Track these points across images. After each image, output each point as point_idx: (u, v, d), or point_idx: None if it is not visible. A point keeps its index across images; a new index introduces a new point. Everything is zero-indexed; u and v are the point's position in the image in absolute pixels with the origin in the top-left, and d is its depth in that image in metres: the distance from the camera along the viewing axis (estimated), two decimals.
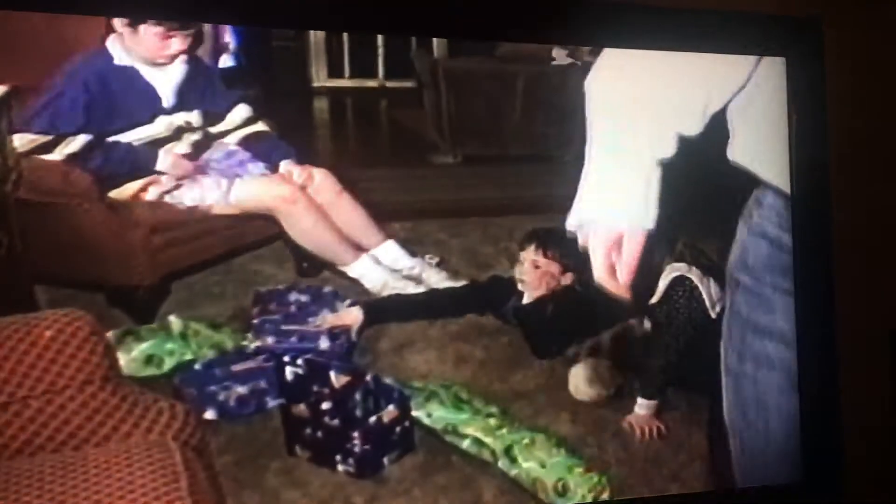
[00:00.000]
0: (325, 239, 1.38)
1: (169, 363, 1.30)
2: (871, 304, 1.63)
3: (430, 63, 1.48)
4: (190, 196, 1.32)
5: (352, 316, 1.41)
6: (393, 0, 1.33)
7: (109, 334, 1.23)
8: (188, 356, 1.31)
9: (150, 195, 1.30)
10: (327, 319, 1.39)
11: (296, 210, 1.36)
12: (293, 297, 1.37)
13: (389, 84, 1.47)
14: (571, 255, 1.47)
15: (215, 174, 1.33)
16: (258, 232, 1.36)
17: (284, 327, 1.35)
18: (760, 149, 1.47)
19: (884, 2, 1.63)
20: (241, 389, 1.32)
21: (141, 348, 1.28)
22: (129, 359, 1.26)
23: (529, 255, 1.48)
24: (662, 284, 1.51)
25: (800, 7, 1.57)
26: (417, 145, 1.48)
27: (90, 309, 1.20)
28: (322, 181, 1.37)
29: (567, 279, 1.49)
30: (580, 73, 1.53)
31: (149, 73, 1.31)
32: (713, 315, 1.52)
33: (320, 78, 1.40)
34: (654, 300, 1.52)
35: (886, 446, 1.62)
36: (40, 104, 1.23)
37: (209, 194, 1.33)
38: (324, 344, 1.36)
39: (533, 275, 1.48)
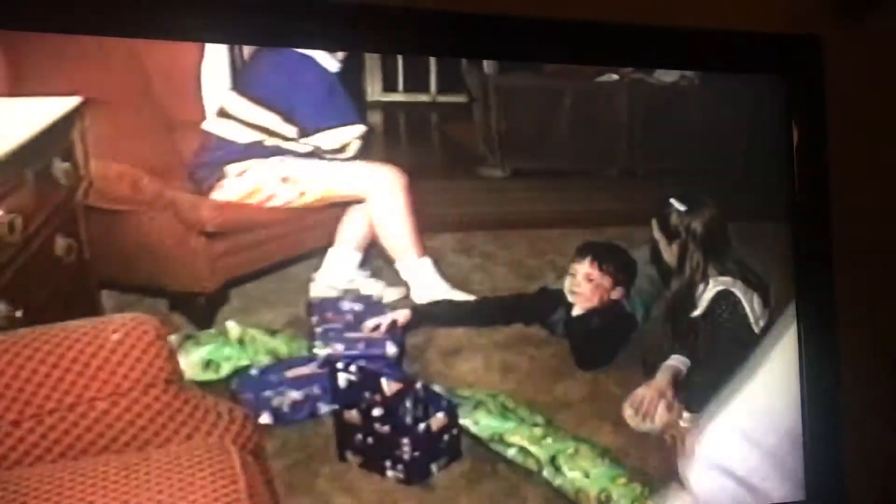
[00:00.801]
0: (406, 227, 1.42)
1: (226, 368, 1.33)
2: (875, 332, 1.64)
3: (481, 79, 1.51)
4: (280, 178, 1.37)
5: (401, 315, 1.44)
6: (444, 24, 1.38)
7: (171, 339, 1.26)
8: (245, 361, 1.34)
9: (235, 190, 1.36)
10: (377, 321, 1.42)
11: (390, 194, 1.40)
12: (346, 306, 1.40)
13: (441, 99, 1.49)
14: (623, 270, 1.50)
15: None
16: (315, 240, 1.39)
17: (348, 335, 1.38)
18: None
19: (883, 18, 1.64)
20: (296, 395, 1.35)
21: (200, 353, 1.31)
22: (188, 363, 1.29)
23: (584, 267, 1.50)
24: (706, 297, 1.53)
25: (798, 25, 1.59)
26: (467, 158, 1.50)
27: (153, 314, 1.24)
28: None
29: (617, 293, 1.52)
30: (624, 89, 1.57)
31: None
32: (757, 330, 1.54)
33: (375, 92, 1.44)
34: (697, 313, 1.54)
35: (888, 474, 1.63)
36: None
37: (301, 179, 1.38)
38: (391, 350, 1.39)
39: (586, 287, 1.51)
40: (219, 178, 1.36)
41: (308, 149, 1.40)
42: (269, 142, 1.39)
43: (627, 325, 1.53)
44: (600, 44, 1.49)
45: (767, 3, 1.61)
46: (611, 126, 1.57)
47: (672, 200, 1.54)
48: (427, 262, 1.44)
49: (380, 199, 1.41)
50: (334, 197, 1.41)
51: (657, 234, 1.55)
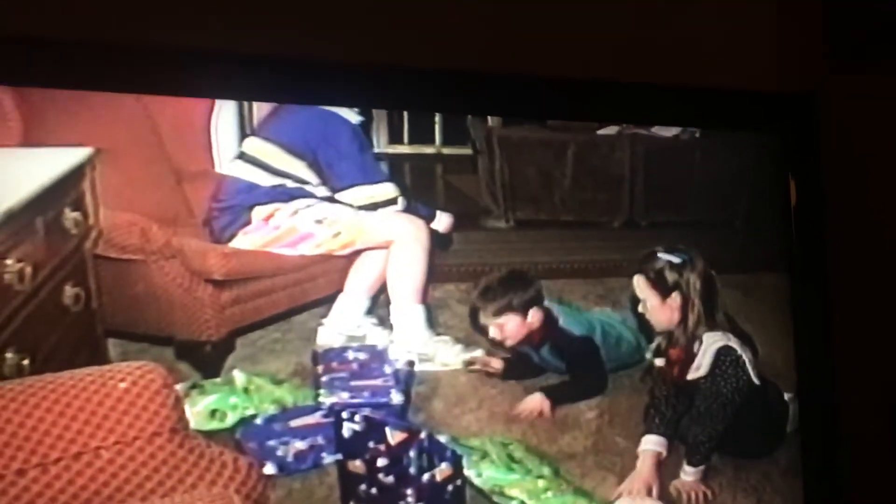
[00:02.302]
0: (419, 276, 1.44)
1: (232, 417, 1.33)
2: (874, 379, 1.65)
3: (485, 131, 1.53)
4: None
5: (536, 402, 1.47)
6: (449, 81, 1.41)
7: (178, 387, 1.26)
8: (250, 410, 1.34)
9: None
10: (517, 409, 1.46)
11: (416, 242, 1.43)
12: (351, 355, 1.41)
13: (446, 150, 1.52)
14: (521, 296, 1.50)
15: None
16: (320, 290, 1.40)
17: (354, 383, 1.38)
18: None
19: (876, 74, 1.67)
20: (300, 444, 1.35)
21: (206, 402, 1.31)
22: (194, 412, 1.29)
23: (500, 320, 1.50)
24: (708, 357, 1.52)
25: (793, 82, 1.62)
26: (471, 209, 1.52)
27: (159, 362, 1.25)
28: None
29: (537, 317, 1.52)
30: (626, 142, 1.60)
31: None
32: (757, 382, 1.54)
33: (381, 144, 1.46)
34: (699, 374, 1.52)
35: None
36: None
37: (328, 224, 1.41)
38: (396, 398, 1.39)
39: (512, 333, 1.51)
40: (244, 223, 1.38)
41: (329, 193, 1.42)
42: (291, 185, 1.41)
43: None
44: (600, 101, 1.52)
45: (762, 61, 1.65)
46: (613, 178, 1.59)
47: (661, 254, 1.52)
48: (419, 310, 1.45)
49: (405, 245, 1.43)
50: (364, 241, 1.42)
51: (645, 292, 1.52)
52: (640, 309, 1.53)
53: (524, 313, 1.50)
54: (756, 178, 1.64)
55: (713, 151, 1.64)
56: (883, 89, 1.66)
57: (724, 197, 1.63)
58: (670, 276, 1.51)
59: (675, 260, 1.52)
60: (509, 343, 1.50)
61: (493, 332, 1.49)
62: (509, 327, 1.49)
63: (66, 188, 1.25)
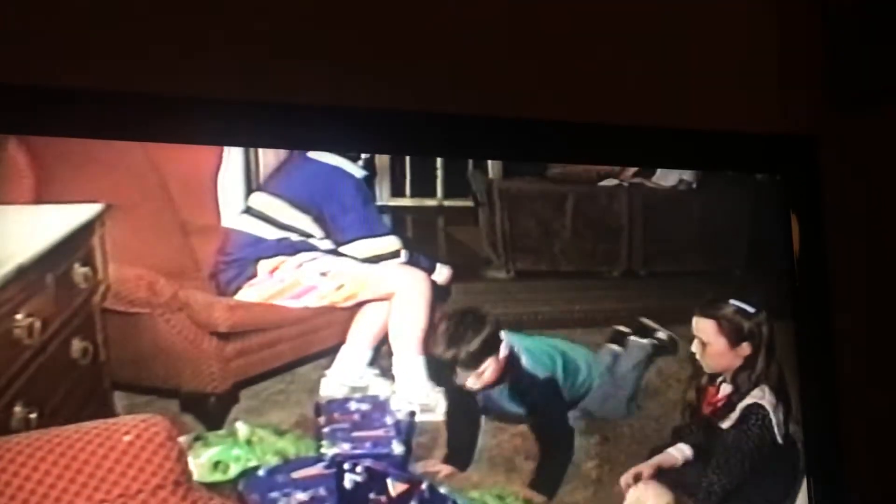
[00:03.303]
0: (421, 327, 1.45)
1: (235, 469, 1.33)
2: (882, 428, 1.66)
3: (486, 183, 1.56)
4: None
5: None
6: (447, 127, 1.46)
7: (181, 439, 1.28)
8: (253, 462, 1.35)
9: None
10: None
11: (419, 294, 1.45)
12: (353, 406, 1.42)
13: (447, 203, 1.55)
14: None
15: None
16: (323, 342, 1.42)
17: (356, 434, 1.39)
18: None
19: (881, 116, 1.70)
20: (302, 496, 1.35)
21: (209, 454, 1.33)
22: (197, 464, 1.30)
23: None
24: (737, 412, 1.53)
25: (796, 125, 1.65)
26: (472, 260, 1.54)
27: (164, 414, 1.26)
28: None
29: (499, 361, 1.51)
30: (624, 192, 1.63)
31: None
32: (780, 441, 1.54)
33: (383, 197, 1.49)
34: (726, 424, 1.53)
35: None
36: None
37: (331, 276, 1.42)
38: (397, 449, 1.41)
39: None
40: (250, 276, 1.40)
41: (332, 246, 1.45)
42: (296, 238, 1.44)
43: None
44: (602, 144, 1.55)
45: (765, 103, 1.68)
46: (611, 229, 1.62)
47: (734, 301, 1.54)
48: (420, 360, 1.46)
49: (407, 297, 1.45)
50: (367, 293, 1.44)
51: (711, 337, 1.53)
52: (693, 349, 1.55)
53: (497, 353, 1.48)
54: (756, 224, 1.66)
55: (711, 201, 1.67)
56: (887, 132, 1.69)
57: (723, 246, 1.66)
58: (745, 325, 1.53)
59: (749, 309, 1.53)
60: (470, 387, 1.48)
61: (472, 383, 1.47)
62: (488, 374, 1.48)
63: (76, 244, 1.27)
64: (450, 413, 1.46)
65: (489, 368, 1.48)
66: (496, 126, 1.48)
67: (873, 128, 1.69)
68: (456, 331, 1.46)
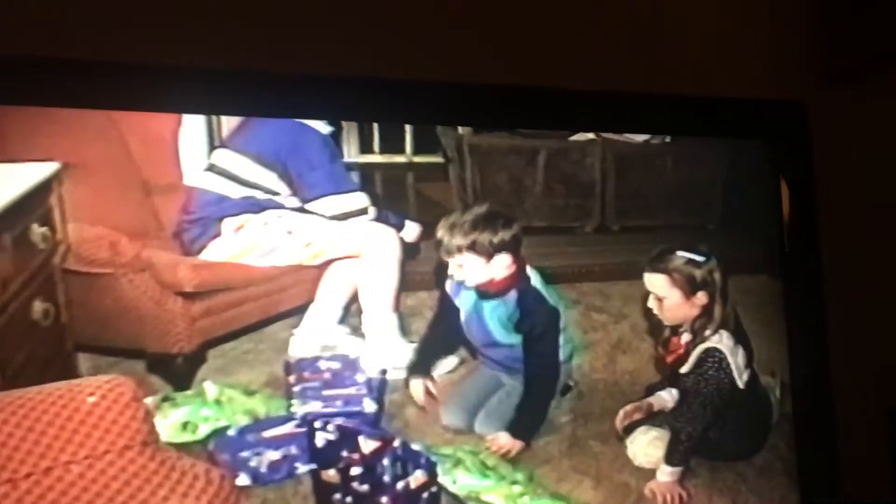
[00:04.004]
0: (392, 285, 1.43)
1: (204, 429, 1.33)
2: (869, 382, 1.66)
3: (456, 139, 1.54)
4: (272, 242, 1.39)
5: (507, 443, 1.46)
6: (419, 92, 1.43)
7: (148, 400, 1.26)
8: (222, 422, 1.34)
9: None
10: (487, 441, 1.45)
11: (389, 252, 1.44)
12: (324, 364, 1.41)
13: (417, 159, 1.53)
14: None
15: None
16: (291, 301, 1.41)
17: (326, 392, 1.38)
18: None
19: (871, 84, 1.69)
20: (273, 455, 1.35)
21: (177, 414, 1.31)
22: (166, 424, 1.29)
23: None
24: (693, 356, 1.53)
25: (783, 90, 1.64)
26: (442, 217, 1.53)
27: (130, 376, 1.25)
28: None
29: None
30: (597, 147, 1.61)
31: None
32: (741, 385, 1.54)
33: (352, 154, 1.47)
34: (684, 370, 1.54)
35: None
36: None
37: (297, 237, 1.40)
38: (369, 407, 1.40)
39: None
40: (214, 234, 1.38)
41: (299, 204, 1.43)
42: (262, 196, 1.42)
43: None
44: (591, 109, 1.53)
45: (754, 69, 1.67)
46: (584, 183, 1.60)
47: (682, 252, 1.52)
48: (392, 318, 1.45)
49: (377, 255, 1.43)
50: (335, 251, 1.42)
51: (665, 290, 1.52)
52: (649, 304, 1.53)
53: (488, 258, 1.46)
54: (733, 180, 1.65)
55: (684, 156, 1.65)
56: (876, 96, 1.69)
57: (697, 201, 1.65)
58: (697, 274, 1.52)
59: (699, 259, 1.52)
60: (468, 284, 1.47)
61: (453, 269, 1.46)
62: (503, 271, 1.46)
63: (32, 203, 1.24)
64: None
65: (505, 265, 1.46)
66: (468, 92, 1.46)
67: (863, 95, 1.68)
68: (486, 219, 1.45)
